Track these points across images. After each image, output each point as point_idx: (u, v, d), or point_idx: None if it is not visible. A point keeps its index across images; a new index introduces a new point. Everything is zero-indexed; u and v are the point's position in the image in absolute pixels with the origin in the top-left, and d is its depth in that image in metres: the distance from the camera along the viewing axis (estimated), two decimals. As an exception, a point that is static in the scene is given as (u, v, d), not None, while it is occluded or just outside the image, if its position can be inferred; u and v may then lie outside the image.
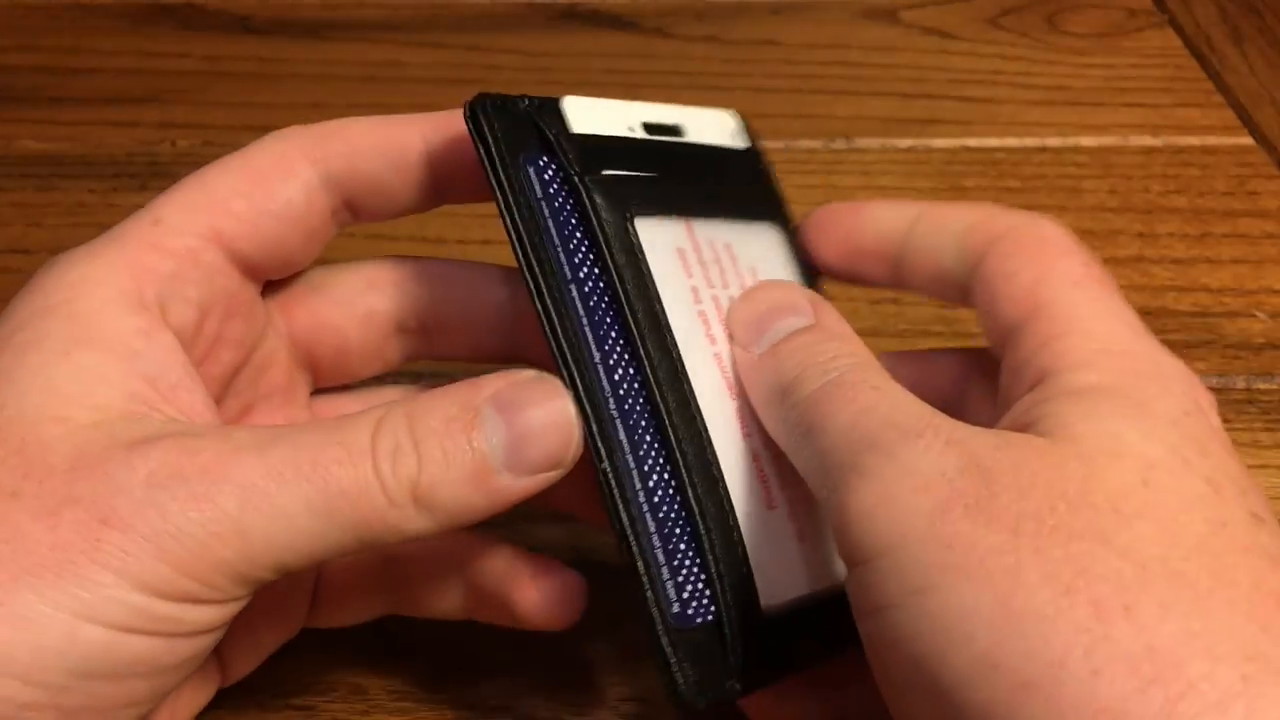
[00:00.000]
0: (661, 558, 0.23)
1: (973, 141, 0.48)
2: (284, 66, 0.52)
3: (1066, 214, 0.44)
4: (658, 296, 0.24)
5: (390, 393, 0.29)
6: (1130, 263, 0.42)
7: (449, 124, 0.26)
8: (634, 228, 0.25)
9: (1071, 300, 0.24)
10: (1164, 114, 0.50)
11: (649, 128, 0.26)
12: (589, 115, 0.26)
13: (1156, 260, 0.42)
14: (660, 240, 0.25)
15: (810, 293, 0.26)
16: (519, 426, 0.22)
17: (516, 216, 0.24)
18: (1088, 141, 0.48)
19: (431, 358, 0.29)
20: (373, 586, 0.28)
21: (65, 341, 0.22)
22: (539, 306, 0.24)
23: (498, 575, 0.27)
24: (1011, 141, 0.48)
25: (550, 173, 0.25)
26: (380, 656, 0.30)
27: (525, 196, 0.24)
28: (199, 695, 0.26)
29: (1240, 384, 0.38)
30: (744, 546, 0.24)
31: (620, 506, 0.23)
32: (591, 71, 0.52)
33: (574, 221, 0.24)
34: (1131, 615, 0.18)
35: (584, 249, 0.24)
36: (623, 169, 0.25)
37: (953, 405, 0.26)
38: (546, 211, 0.24)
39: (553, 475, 0.23)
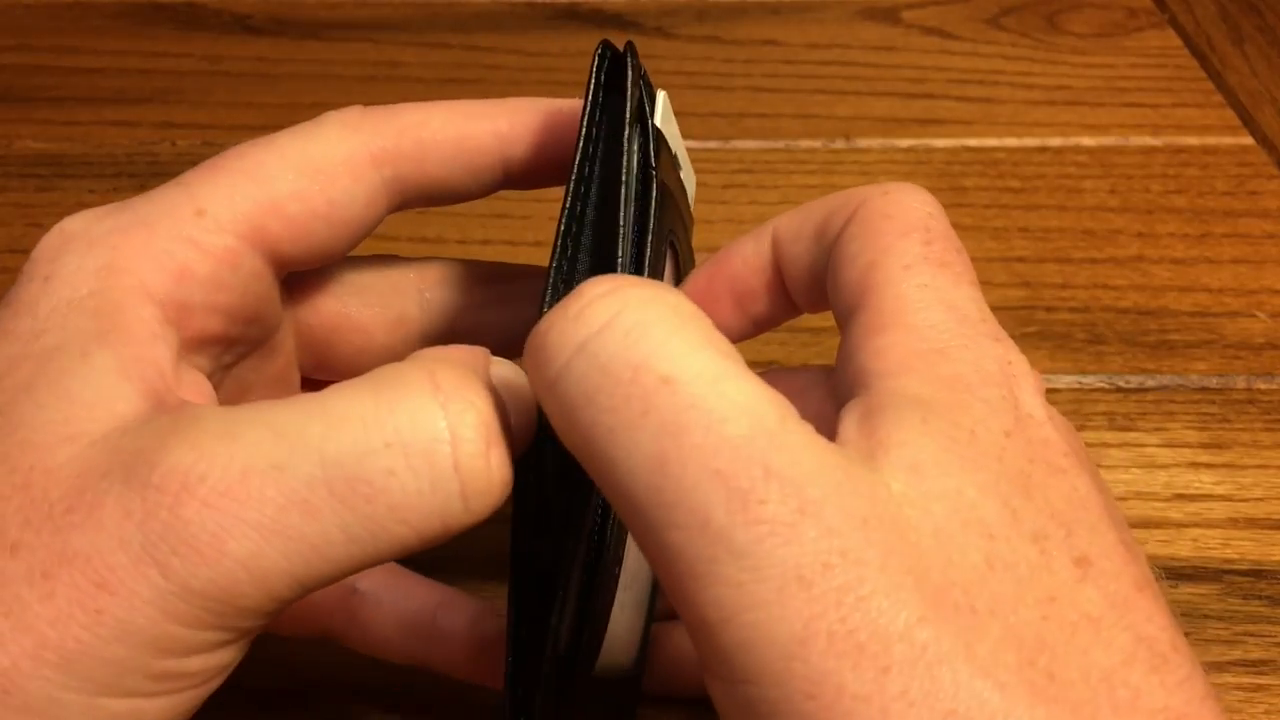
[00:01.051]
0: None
1: (973, 141, 0.48)
2: (284, 66, 0.52)
3: (1067, 214, 0.44)
4: None
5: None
6: (1130, 263, 0.42)
7: (524, 115, 0.25)
8: (667, 246, 0.24)
9: (900, 287, 0.21)
10: (1164, 114, 0.50)
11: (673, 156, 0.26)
12: (664, 116, 0.25)
13: (1157, 260, 0.42)
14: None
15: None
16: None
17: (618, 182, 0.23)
18: (1088, 141, 0.48)
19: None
20: (324, 609, 0.26)
21: (86, 340, 0.20)
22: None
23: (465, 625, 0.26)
24: (1012, 141, 0.48)
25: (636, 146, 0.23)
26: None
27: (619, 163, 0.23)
28: None
29: (1240, 384, 0.38)
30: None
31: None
32: (592, 71, 0.52)
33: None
34: None
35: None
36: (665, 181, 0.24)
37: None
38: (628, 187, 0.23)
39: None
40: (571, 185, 0.23)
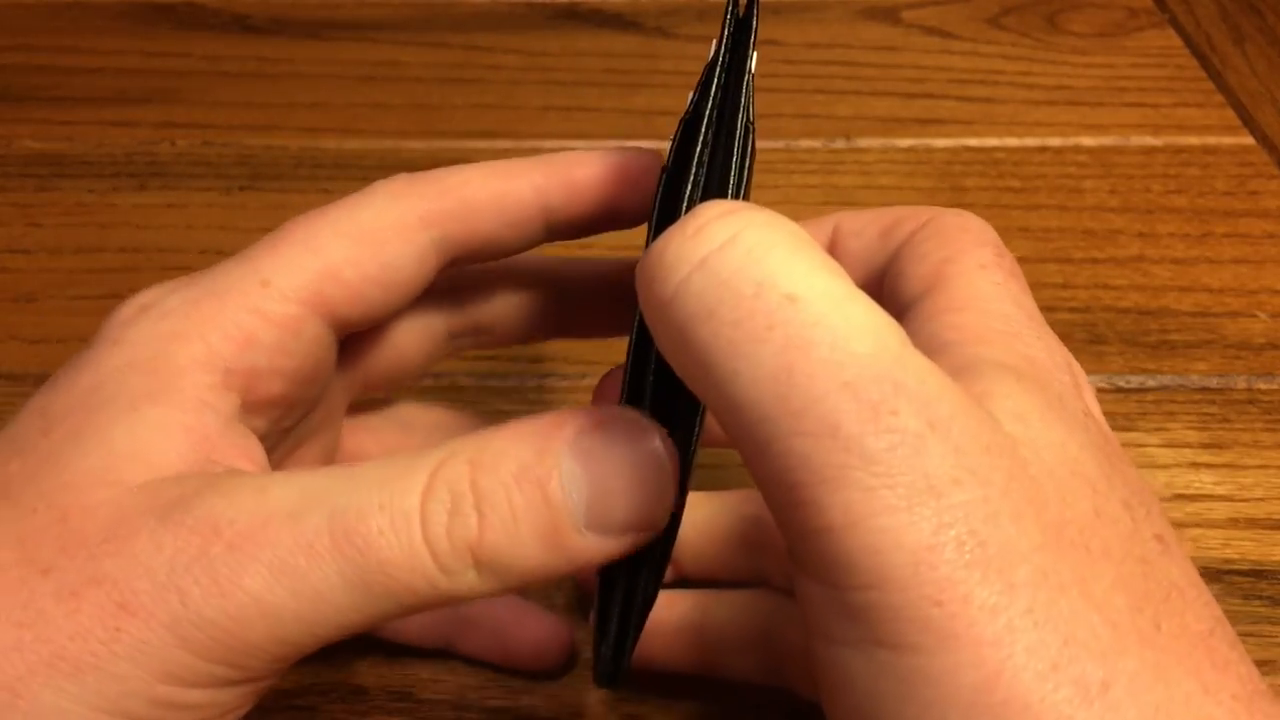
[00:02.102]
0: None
1: (973, 141, 0.48)
2: (284, 66, 0.52)
3: (1067, 214, 0.44)
4: None
5: (420, 413, 0.29)
6: (1131, 262, 0.42)
7: (562, 170, 0.26)
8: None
9: (974, 280, 0.22)
10: (1165, 114, 0.50)
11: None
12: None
13: (1157, 260, 0.42)
14: None
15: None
16: (605, 481, 0.20)
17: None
18: (1088, 141, 0.48)
19: (479, 349, 0.29)
20: (432, 622, 0.28)
21: (138, 398, 0.21)
22: None
23: (492, 614, 0.27)
24: (1012, 141, 0.48)
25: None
26: (380, 656, 0.30)
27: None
28: None
29: (1241, 384, 0.38)
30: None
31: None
32: (592, 71, 0.52)
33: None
34: (1107, 695, 0.17)
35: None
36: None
37: None
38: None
39: (640, 536, 0.20)
40: (692, 111, 0.23)
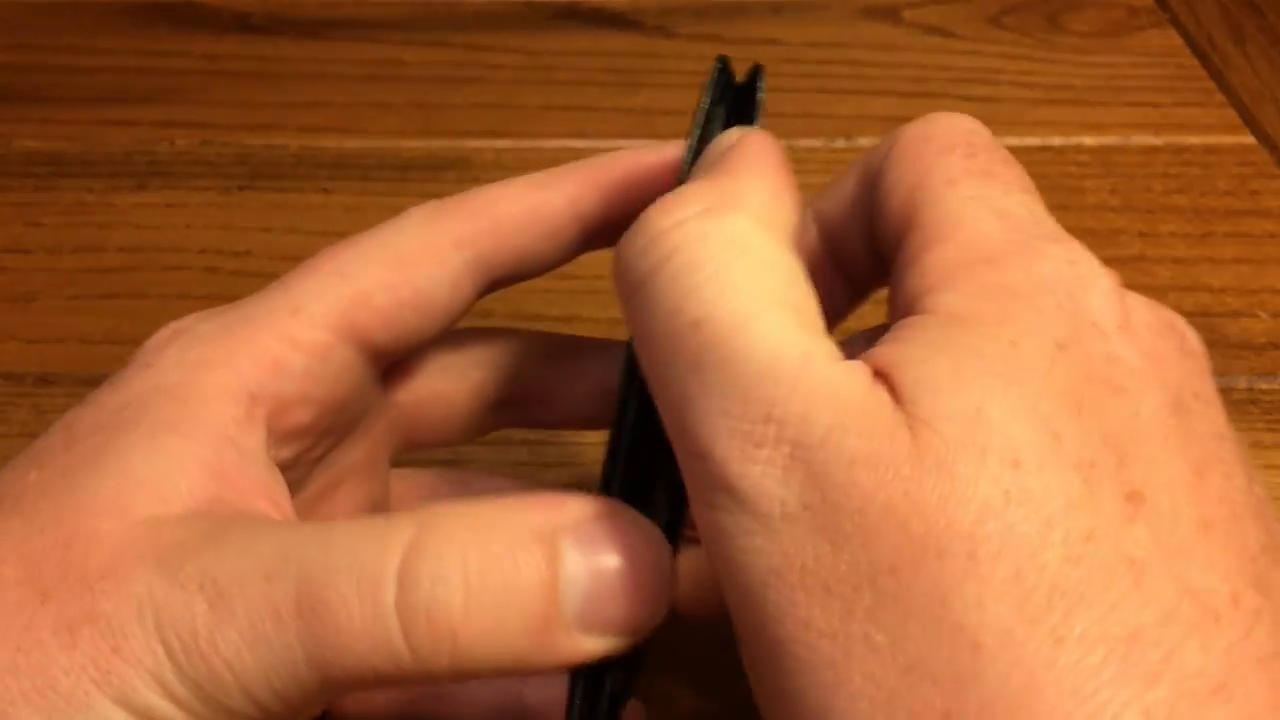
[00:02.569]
0: None
1: (974, 141, 0.48)
2: (283, 65, 0.52)
3: (1068, 213, 0.44)
4: None
5: (478, 480, 0.29)
6: (1132, 262, 0.42)
7: (594, 177, 0.25)
8: None
9: (945, 204, 0.20)
10: (1166, 113, 0.50)
11: None
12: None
13: (1158, 260, 0.42)
14: None
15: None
16: (604, 572, 0.19)
17: None
18: (1089, 140, 0.48)
19: (523, 426, 0.28)
20: (410, 694, 0.27)
21: (159, 425, 0.21)
22: None
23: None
24: (1013, 141, 0.48)
25: None
26: None
27: None
28: None
29: (1242, 384, 0.38)
30: None
31: None
32: (592, 71, 0.52)
33: None
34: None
35: None
36: None
37: None
38: None
39: (626, 641, 0.19)
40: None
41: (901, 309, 0.19)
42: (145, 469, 0.20)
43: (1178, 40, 0.54)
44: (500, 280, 0.25)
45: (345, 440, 0.26)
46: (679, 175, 0.23)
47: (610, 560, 0.19)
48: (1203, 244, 0.43)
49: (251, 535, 0.19)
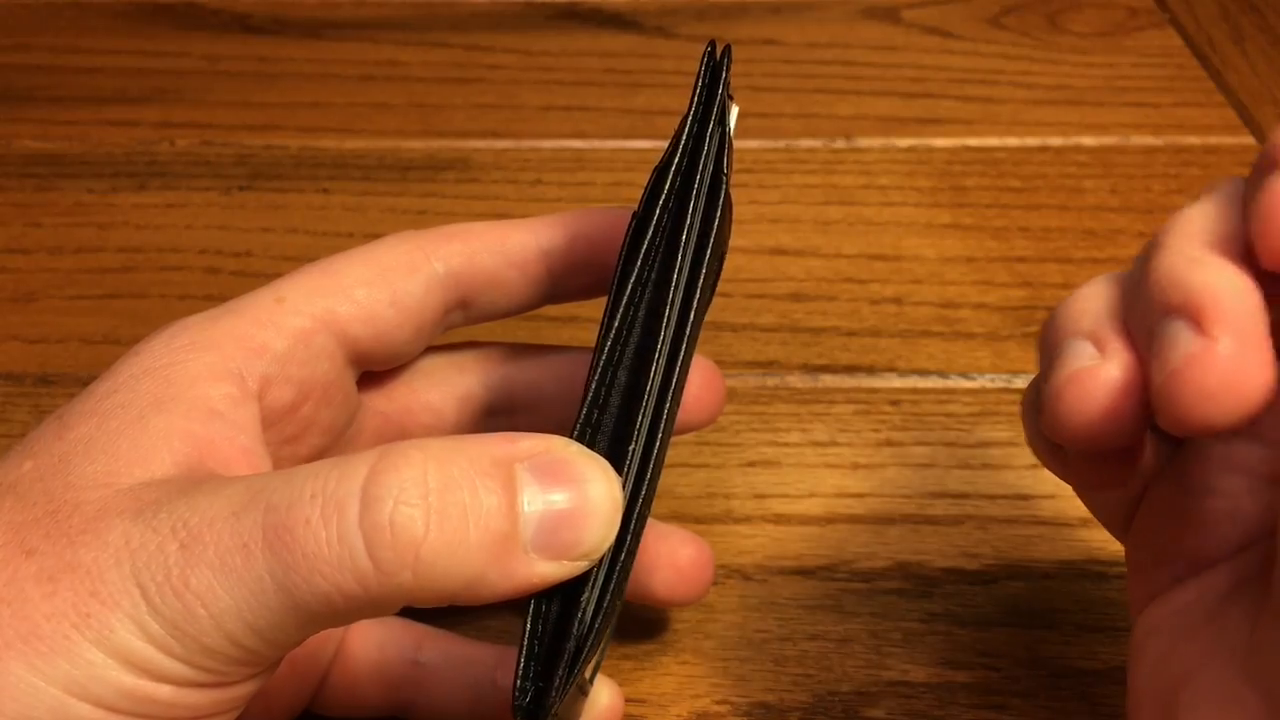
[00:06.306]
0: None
1: (974, 141, 0.48)
2: (283, 65, 0.52)
3: (1068, 213, 0.44)
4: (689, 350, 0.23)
5: None
6: (1132, 262, 0.42)
7: (562, 226, 0.27)
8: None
9: None
10: (1165, 113, 0.50)
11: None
12: (734, 129, 0.25)
13: (1158, 260, 0.42)
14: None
15: None
16: (559, 501, 0.20)
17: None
18: (1089, 141, 0.48)
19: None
20: (391, 684, 0.27)
21: (147, 407, 0.22)
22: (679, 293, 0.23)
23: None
24: (1012, 141, 0.48)
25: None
26: None
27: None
28: None
29: (1242, 384, 0.38)
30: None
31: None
32: (592, 71, 0.52)
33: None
34: None
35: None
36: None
37: None
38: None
39: (576, 566, 0.20)
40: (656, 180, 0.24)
41: None
42: (132, 451, 0.21)
43: (1177, 40, 0.55)
44: (472, 305, 0.27)
45: (334, 448, 0.27)
46: (664, 166, 0.23)
47: (563, 488, 0.20)
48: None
49: (224, 483, 0.20)
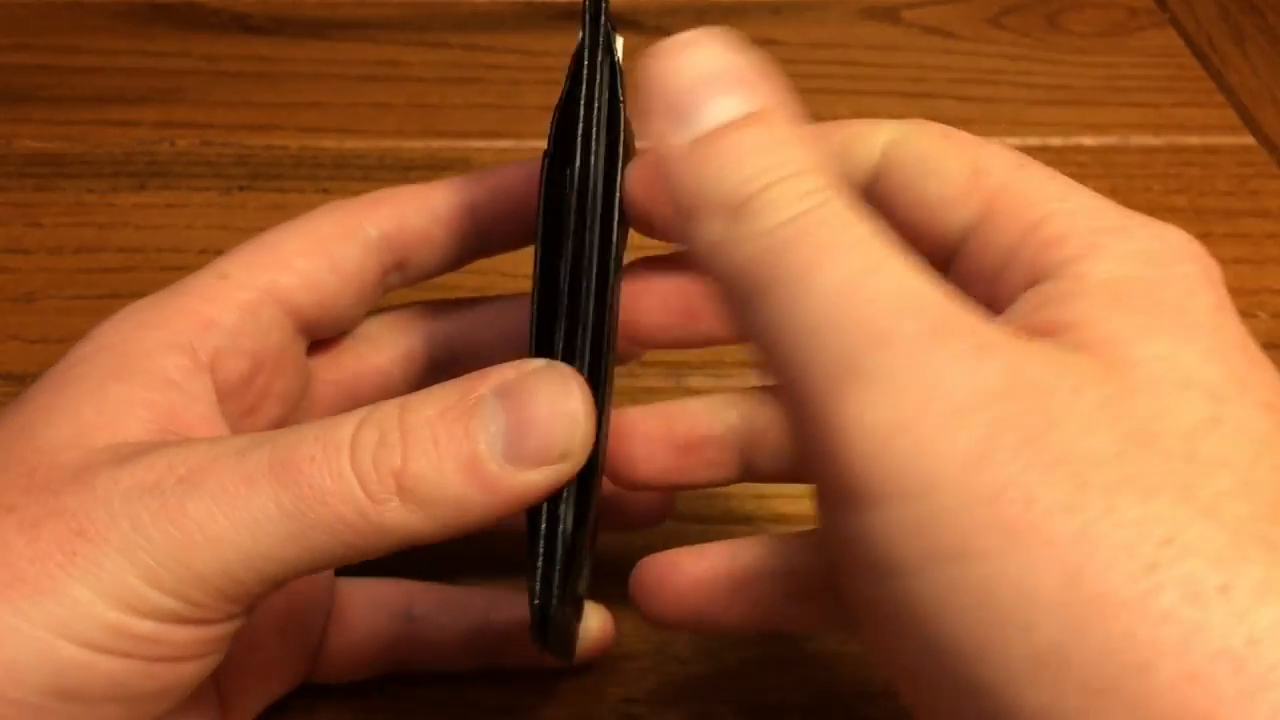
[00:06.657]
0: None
1: (974, 141, 0.48)
2: (284, 65, 0.52)
3: (1068, 213, 0.44)
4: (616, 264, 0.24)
5: None
6: (1131, 262, 0.42)
7: (483, 181, 0.28)
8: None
9: (1028, 184, 0.20)
10: (1165, 113, 0.50)
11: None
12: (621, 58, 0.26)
13: (1158, 260, 0.42)
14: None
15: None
16: (522, 413, 0.21)
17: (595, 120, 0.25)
18: (1089, 141, 0.48)
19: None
20: (387, 643, 0.28)
21: (104, 377, 0.23)
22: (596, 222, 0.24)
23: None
24: (1013, 141, 0.48)
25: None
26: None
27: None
28: None
29: (1242, 384, 0.38)
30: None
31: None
32: (592, 71, 0.52)
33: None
34: (1229, 597, 0.15)
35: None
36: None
37: None
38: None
39: (559, 469, 0.21)
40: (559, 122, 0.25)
41: (1023, 278, 0.19)
42: (96, 416, 0.22)
43: (1177, 40, 0.55)
44: (407, 265, 0.28)
45: (290, 418, 0.27)
46: (567, 101, 0.25)
47: (523, 400, 0.21)
48: (1202, 244, 0.43)
49: (221, 437, 0.22)
